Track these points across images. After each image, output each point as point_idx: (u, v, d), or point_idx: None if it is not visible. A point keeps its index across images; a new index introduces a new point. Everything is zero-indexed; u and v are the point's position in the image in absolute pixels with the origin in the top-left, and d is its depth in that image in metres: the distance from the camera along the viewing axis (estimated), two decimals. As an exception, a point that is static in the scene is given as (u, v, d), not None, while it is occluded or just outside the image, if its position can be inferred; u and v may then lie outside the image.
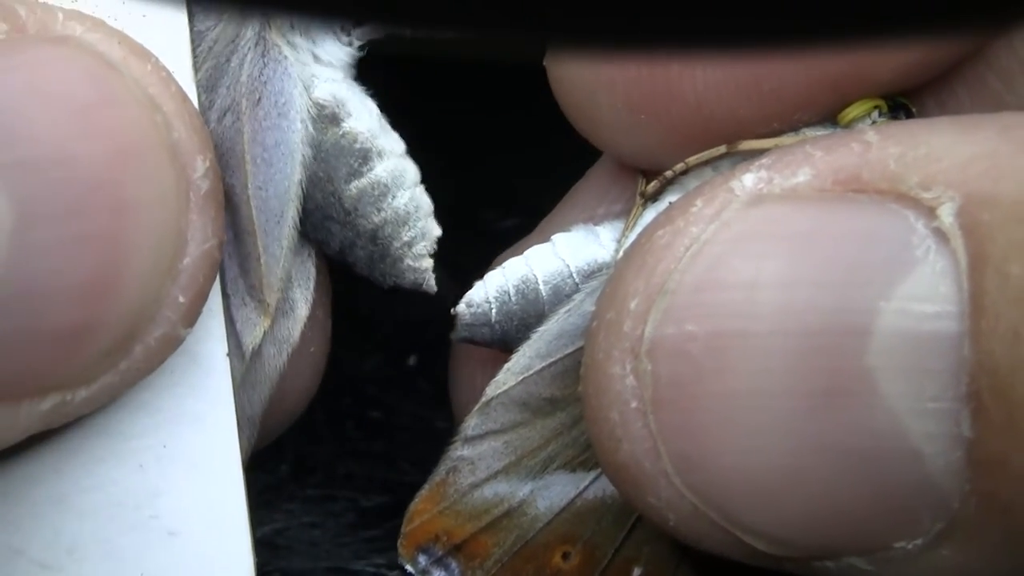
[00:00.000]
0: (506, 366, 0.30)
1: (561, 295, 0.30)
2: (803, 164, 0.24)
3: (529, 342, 0.30)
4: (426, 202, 0.31)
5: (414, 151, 0.31)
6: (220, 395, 0.28)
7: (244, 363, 0.30)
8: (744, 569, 0.26)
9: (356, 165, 0.30)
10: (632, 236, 0.29)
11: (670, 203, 0.27)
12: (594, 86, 0.29)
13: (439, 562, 0.31)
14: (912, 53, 0.27)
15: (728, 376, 0.23)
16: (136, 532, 0.27)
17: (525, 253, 0.31)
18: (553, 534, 0.31)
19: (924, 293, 0.22)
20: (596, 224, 0.31)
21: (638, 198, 0.30)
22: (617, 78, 0.28)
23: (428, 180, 0.31)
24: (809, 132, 0.28)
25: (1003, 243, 0.22)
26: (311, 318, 0.31)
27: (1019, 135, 0.23)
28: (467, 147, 0.34)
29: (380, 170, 0.30)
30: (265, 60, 0.30)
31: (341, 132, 0.30)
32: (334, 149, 0.30)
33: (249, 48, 0.30)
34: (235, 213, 0.29)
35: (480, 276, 0.31)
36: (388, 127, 0.30)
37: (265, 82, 0.29)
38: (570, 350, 0.30)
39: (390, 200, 0.30)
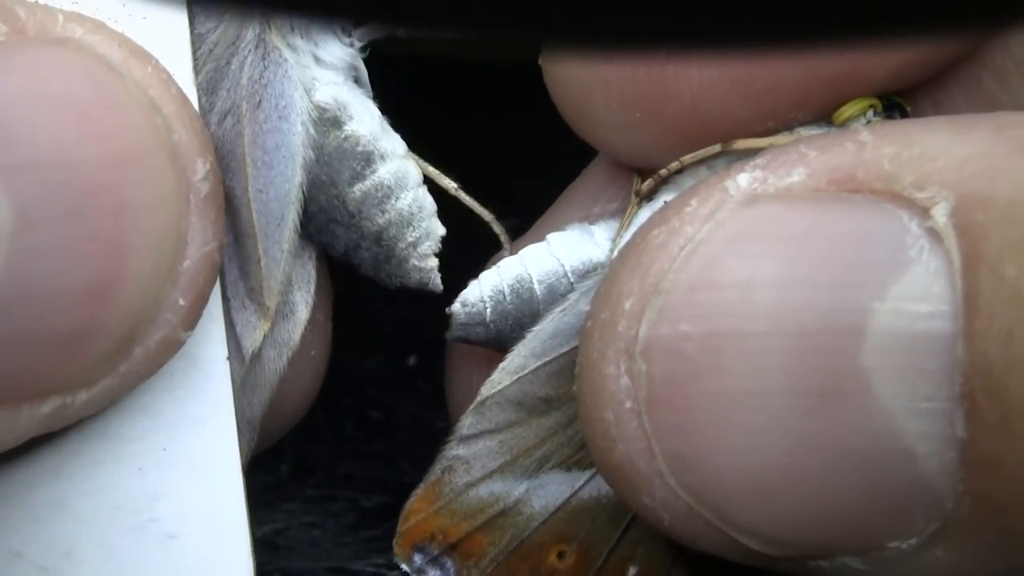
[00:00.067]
0: (501, 365, 0.30)
1: (556, 294, 0.30)
2: (797, 164, 0.24)
3: (524, 341, 0.30)
4: (429, 202, 0.31)
5: (413, 151, 0.31)
6: (220, 398, 0.27)
7: (244, 366, 0.30)
8: (739, 569, 0.26)
9: (359, 168, 0.30)
10: (627, 235, 0.29)
11: (665, 202, 0.27)
12: (589, 85, 0.29)
13: (435, 561, 0.31)
14: (907, 53, 0.27)
15: (723, 376, 0.23)
16: (135, 535, 0.27)
17: (520, 252, 0.31)
18: (548, 533, 0.31)
19: (918, 293, 0.22)
20: (591, 223, 0.31)
21: (633, 197, 0.30)
22: (612, 77, 0.28)
23: (427, 180, 0.31)
24: (804, 131, 0.28)
25: (998, 243, 0.22)
26: (311, 321, 0.31)
27: (1014, 135, 0.23)
28: (466, 147, 0.34)
29: (383, 172, 0.30)
30: (265, 63, 0.30)
31: (343, 135, 0.30)
32: (336, 152, 0.30)
33: (249, 51, 0.30)
34: (235, 216, 0.29)
35: (476, 275, 0.31)
36: (389, 129, 0.31)
37: (265, 85, 0.29)
38: (565, 349, 0.29)
39: (394, 202, 0.30)
